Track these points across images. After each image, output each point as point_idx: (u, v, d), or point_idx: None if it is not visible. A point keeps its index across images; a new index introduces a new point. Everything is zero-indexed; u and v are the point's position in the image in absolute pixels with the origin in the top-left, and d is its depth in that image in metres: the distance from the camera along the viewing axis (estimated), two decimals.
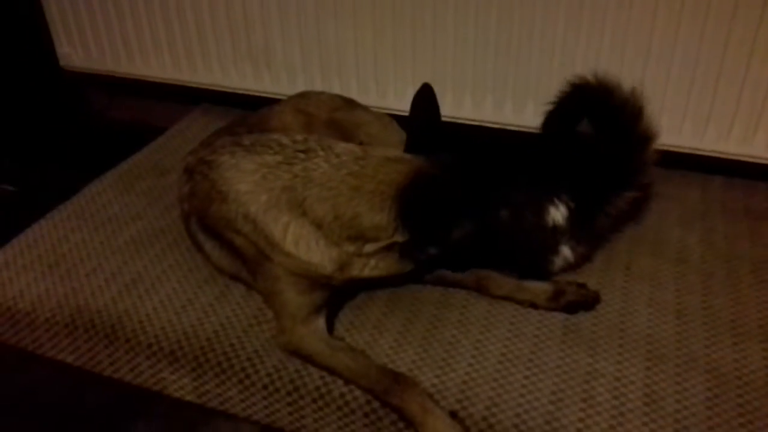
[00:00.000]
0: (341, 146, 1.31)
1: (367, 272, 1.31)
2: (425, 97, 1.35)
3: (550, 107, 1.61)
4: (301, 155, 1.30)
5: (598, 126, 1.57)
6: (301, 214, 1.27)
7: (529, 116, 1.90)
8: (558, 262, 1.49)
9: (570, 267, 1.51)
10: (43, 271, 1.58)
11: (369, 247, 1.27)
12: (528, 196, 1.45)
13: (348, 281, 1.34)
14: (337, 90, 2.02)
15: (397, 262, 1.29)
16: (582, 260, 1.52)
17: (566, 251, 1.49)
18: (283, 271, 1.32)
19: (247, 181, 1.32)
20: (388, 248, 1.27)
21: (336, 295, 1.40)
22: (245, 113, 1.82)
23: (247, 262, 1.39)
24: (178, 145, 2.11)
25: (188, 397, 1.38)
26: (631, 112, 1.52)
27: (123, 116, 2.56)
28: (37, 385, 1.46)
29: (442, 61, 1.95)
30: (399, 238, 1.24)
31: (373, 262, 1.30)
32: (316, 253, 1.29)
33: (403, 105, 2.05)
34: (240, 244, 1.36)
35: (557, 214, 1.45)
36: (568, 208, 1.45)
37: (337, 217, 1.25)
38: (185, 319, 1.43)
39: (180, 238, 1.67)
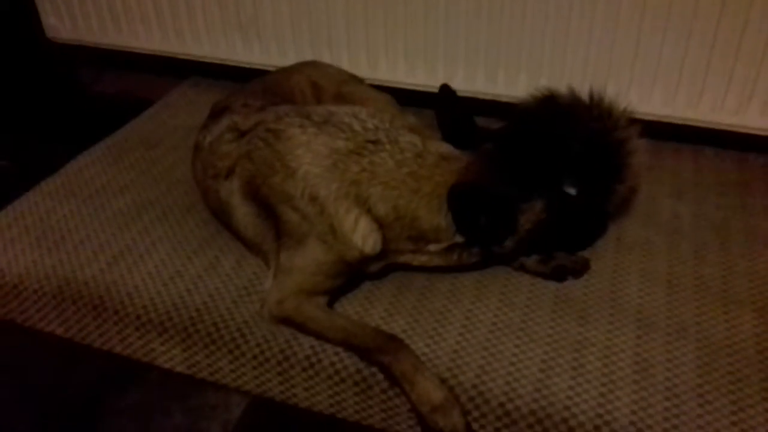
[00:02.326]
0: (406, 139, 1.33)
1: (417, 263, 1.37)
2: (447, 96, 1.41)
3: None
4: (370, 146, 1.32)
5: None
6: (367, 210, 1.30)
7: (521, 88, 1.88)
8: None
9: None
10: (30, 243, 1.57)
11: (433, 247, 1.32)
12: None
13: (390, 266, 1.40)
14: (327, 61, 1.99)
15: (458, 257, 1.34)
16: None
17: None
18: (331, 256, 1.32)
19: (320, 165, 1.32)
20: (450, 248, 1.32)
21: (362, 278, 1.42)
22: (259, 78, 1.80)
23: (288, 237, 1.35)
24: (166, 118, 2.09)
25: (178, 368, 1.38)
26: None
27: (111, 88, 2.53)
28: (25, 356, 1.46)
29: (433, 33, 1.92)
30: (459, 239, 1.29)
31: (425, 257, 1.35)
32: (377, 248, 1.32)
33: (394, 77, 2.03)
34: (291, 219, 1.34)
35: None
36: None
37: (399, 218, 1.29)
38: (174, 290, 1.42)
39: (168, 209, 1.66)
